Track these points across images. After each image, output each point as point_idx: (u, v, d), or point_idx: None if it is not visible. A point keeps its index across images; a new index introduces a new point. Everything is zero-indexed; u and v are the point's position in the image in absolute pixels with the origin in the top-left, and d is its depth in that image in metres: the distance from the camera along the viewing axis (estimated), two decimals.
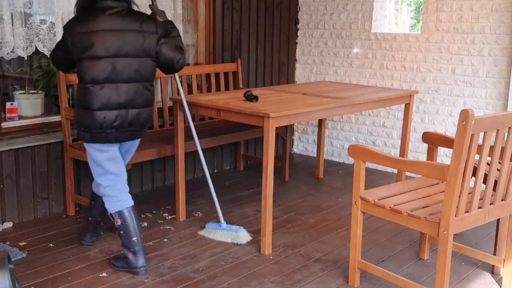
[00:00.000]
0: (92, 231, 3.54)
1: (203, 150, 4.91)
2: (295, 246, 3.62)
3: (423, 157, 5.07)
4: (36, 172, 3.91)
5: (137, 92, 3.05)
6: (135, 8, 3.18)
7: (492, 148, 2.66)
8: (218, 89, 5.03)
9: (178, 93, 3.74)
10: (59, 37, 3.96)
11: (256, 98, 3.66)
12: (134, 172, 4.51)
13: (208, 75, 4.96)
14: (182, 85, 4.37)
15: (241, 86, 5.21)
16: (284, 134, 4.96)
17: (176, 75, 3.56)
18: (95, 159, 3.13)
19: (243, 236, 3.63)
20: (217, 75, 5.04)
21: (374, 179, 5.06)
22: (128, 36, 2.99)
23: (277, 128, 4.56)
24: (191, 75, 4.84)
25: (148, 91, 3.13)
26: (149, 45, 3.05)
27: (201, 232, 3.76)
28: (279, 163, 4.96)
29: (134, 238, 3.12)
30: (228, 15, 5.08)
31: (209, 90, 4.96)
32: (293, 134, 6.07)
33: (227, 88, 5.12)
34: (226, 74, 5.12)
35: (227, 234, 3.66)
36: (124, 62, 2.99)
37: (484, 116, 2.52)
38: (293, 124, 5.89)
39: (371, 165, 5.38)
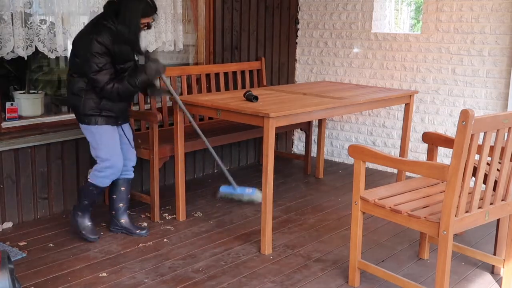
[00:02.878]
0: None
1: (203, 150, 4.96)
2: (295, 246, 3.62)
3: (423, 157, 5.07)
4: (36, 172, 3.91)
5: (67, 77, 3.54)
6: None
7: (492, 148, 2.66)
8: (243, 86, 5.22)
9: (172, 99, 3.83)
10: (59, 37, 3.97)
11: (256, 98, 3.66)
12: (134, 172, 4.51)
13: (234, 73, 5.17)
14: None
15: (265, 83, 5.39)
16: (307, 129, 5.17)
17: (165, 79, 3.66)
18: None
19: (257, 196, 3.69)
20: (242, 73, 5.25)
21: (374, 179, 5.06)
22: None
23: (299, 124, 4.91)
24: (219, 72, 5.01)
25: (72, 79, 3.44)
26: (74, 44, 3.46)
27: (218, 195, 3.88)
28: (301, 158, 5.42)
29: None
30: (228, 15, 5.08)
31: (234, 87, 5.15)
32: (293, 134, 6.07)
33: (251, 85, 5.33)
34: (250, 72, 5.36)
35: (242, 196, 3.74)
36: None
37: (484, 116, 2.52)
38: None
39: (371, 165, 5.38)
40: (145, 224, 3.89)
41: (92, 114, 3.41)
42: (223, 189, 3.77)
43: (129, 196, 3.74)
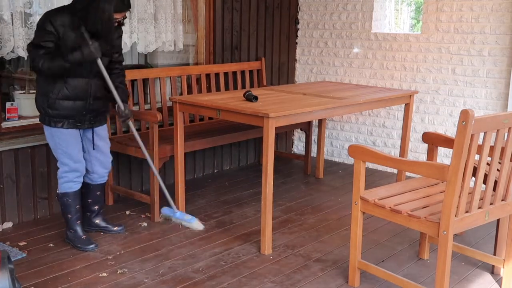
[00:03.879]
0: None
1: (203, 150, 4.98)
2: (295, 246, 3.62)
3: (423, 157, 5.07)
4: (36, 172, 3.91)
5: None
6: None
7: (492, 148, 2.66)
8: (243, 86, 5.22)
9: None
10: None
11: (255, 98, 3.66)
12: (134, 172, 4.52)
13: (234, 73, 5.18)
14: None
15: (265, 83, 5.40)
16: (307, 129, 5.18)
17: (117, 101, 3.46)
18: None
19: (196, 225, 3.53)
20: (242, 73, 5.26)
21: (374, 179, 5.06)
22: None
23: (299, 124, 4.95)
24: (219, 72, 5.01)
25: (37, 74, 3.38)
26: None
27: (160, 217, 3.82)
28: (301, 158, 5.41)
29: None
30: (228, 15, 5.08)
31: (235, 87, 5.15)
32: (293, 134, 6.07)
33: (251, 85, 5.33)
34: (250, 72, 5.36)
35: (181, 221, 3.57)
36: None
37: (484, 116, 2.52)
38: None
39: (371, 165, 5.38)
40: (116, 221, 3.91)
41: (46, 114, 3.33)
42: (164, 211, 3.58)
43: (103, 197, 3.77)
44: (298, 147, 6.07)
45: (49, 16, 3.20)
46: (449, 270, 2.63)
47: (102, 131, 3.57)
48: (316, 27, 5.71)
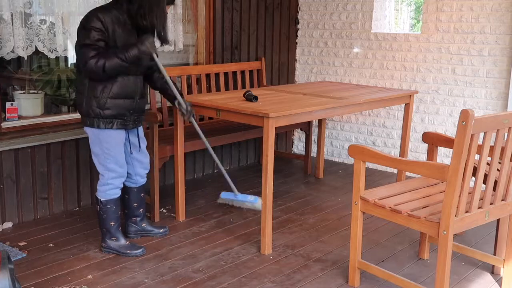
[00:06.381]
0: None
1: (203, 150, 4.95)
2: (295, 246, 3.62)
3: (423, 157, 5.07)
4: (36, 172, 3.90)
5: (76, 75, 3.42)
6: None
7: (492, 148, 2.66)
8: (244, 86, 5.22)
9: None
10: (59, 37, 3.97)
11: (255, 98, 3.66)
12: None
13: (234, 73, 5.18)
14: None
15: (265, 83, 5.39)
16: (307, 129, 5.18)
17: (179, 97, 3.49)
18: None
19: (259, 205, 3.52)
20: (242, 73, 5.26)
21: (374, 179, 5.06)
22: None
23: (299, 124, 4.95)
24: (219, 72, 5.00)
25: (78, 76, 3.27)
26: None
27: (218, 201, 3.76)
28: (301, 158, 5.41)
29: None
30: (228, 15, 5.08)
31: (235, 87, 5.15)
32: (293, 134, 6.07)
33: (251, 85, 5.32)
34: (250, 72, 5.37)
35: (243, 204, 3.64)
36: None
37: (484, 116, 2.52)
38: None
39: (371, 165, 5.38)
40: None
41: (95, 116, 3.16)
42: (224, 195, 3.64)
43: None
44: (298, 147, 6.07)
45: (96, 13, 3.07)
46: (449, 270, 2.63)
47: (142, 132, 3.51)
48: (316, 27, 5.71)
